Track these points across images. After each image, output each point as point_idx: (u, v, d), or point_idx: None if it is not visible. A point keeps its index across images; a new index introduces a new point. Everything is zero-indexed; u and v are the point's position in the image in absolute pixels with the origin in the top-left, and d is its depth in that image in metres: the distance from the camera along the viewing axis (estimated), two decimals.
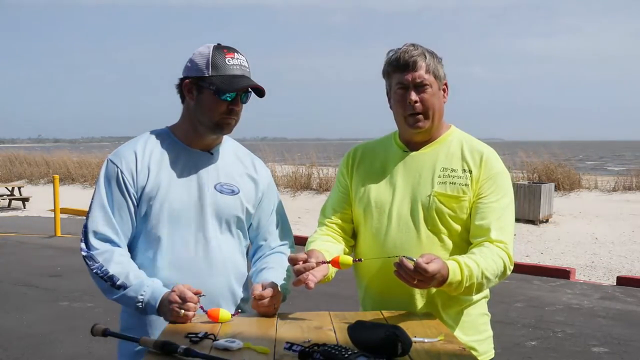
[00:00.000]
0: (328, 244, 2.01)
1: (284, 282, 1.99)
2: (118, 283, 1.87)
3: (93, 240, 1.92)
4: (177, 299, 1.79)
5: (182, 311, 1.78)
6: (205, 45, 1.97)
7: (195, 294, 1.81)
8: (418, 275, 1.69)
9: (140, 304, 1.86)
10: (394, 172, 2.03)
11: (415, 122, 1.96)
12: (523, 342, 5.28)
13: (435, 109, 1.97)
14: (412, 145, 2.04)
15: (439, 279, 1.74)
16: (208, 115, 1.96)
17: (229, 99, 1.93)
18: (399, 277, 1.72)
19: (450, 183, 1.95)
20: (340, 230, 2.10)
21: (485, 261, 1.84)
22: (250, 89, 1.98)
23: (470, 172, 1.96)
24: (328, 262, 1.84)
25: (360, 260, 1.87)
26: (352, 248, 2.12)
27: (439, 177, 1.97)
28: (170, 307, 1.79)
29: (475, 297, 2.02)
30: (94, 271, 1.90)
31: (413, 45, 1.96)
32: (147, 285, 1.86)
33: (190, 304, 1.79)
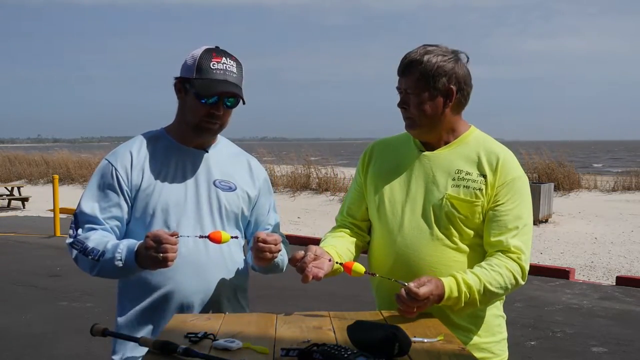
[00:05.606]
0: (337, 240, 2.03)
1: (281, 256, 2.02)
2: (97, 254, 1.85)
3: (80, 230, 1.92)
4: (152, 243, 1.75)
5: (160, 255, 1.74)
6: (201, 47, 1.97)
7: (171, 235, 1.76)
8: (413, 302, 1.73)
9: (119, 262, 1.82)
10: (408, 171, 2.00)
11: (406, 125, 1.98)
12: (523, 342, 5.28)
13: (422, 117, 1.92)
14: (429, 145, 2.00)
15: (435, 299, 1.77)
16: (190, 116, 1.98)
17: (208, 102, 1.93)
18: (400, 312, 1.78)
19: (464, 186, 1.91)
20: (355, 228, 2.11)
21: (490, 274, 1.83)
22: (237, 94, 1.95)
23: (485, 176, 1.91)
24: (340, 264, 1.87)
25: (373, 274, 1.93)
26: (368, 244, 2.12)
27: (454, 179, 1.92)
28: (147, 255, 1.76)
29: None
30: (75, 250, 1.89)
31: (424, 46, 1.91)
32: (122, 244, 1.85)
33: (167, 245, 1.74)
